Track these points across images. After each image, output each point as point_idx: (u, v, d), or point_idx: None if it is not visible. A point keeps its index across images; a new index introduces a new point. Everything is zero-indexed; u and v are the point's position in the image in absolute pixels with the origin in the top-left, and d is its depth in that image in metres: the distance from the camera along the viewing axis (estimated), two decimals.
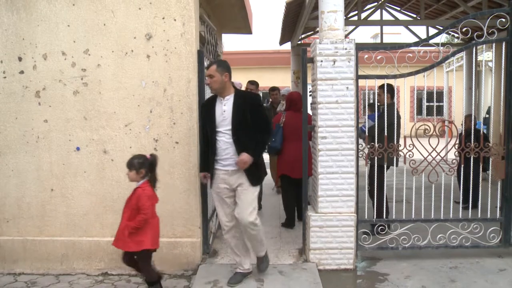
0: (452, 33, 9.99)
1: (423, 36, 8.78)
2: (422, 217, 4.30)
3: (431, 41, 4.25)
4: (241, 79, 7.30)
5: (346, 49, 3.99)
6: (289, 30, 9.86)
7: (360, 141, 4.51)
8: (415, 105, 5.57)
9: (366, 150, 4.30)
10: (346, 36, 4.65)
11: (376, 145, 4.21)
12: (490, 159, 4.33)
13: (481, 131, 4.74)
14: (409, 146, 4.12)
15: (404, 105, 5.88)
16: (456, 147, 4.32)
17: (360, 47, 4.11)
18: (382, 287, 3.74)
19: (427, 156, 4.18)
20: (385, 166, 4.65)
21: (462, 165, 4.26)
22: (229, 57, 6.22)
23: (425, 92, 5.56)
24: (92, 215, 4.17)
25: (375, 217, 4.61)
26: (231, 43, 27.59)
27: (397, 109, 4.97)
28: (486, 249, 4.30)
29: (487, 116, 8.83)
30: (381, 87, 4.91)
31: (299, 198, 5.14)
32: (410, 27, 9.19)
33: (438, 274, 3.95)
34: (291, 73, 10.63)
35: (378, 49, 4.19)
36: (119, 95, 4.06)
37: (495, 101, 4.85)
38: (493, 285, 3.71)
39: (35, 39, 4.04)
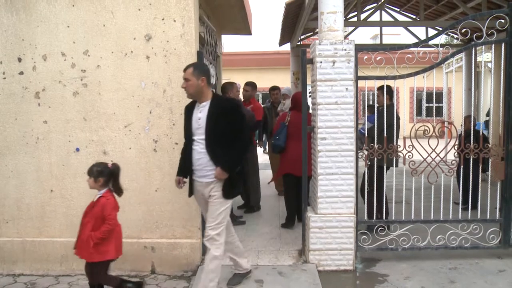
0: (452, 34, 10.01)
1: (423, 37, 8.79)
2: (422, 218, 4.31)
3: (430, 42, 4.26)
4: (240, 80, 7.32)
5: (345, 50, 4.00)
6: (288, 31, 9.87)
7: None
8: (415, 106, 5.57)
9: (365, 152, 4.30)
10: (346, 37, 4.65)
11: (376, 146, 4.21)
12: (490, 160, 4.33)
13: (481, 132, 4.74)
14: (409, 147, 4.12)
15: (404, 106, 5.87)
16: (456, 148, 4.32)
17: (360, 48, 4.11)
18: None
19: (427, 157, 4.18)
20: (385, 167, 4.66)
21: (462, 166, 4.27)
22: (228, 58, 6.23)
23: (424, 93, 5.56)
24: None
25: (366, 218, 4.62)
26: (230, 44, 27.60)
27: (396, 110, 4.97)
28: (486, 250, 4.30)
29: (487, 118, 8.83)
30: (380, 88, 4.92)
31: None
32: (409, 28, 9.21)
33: (438, 275, 3.95)
34: (291, 74, 10.64)
35: (377, 50, 4.20)
36: (118, 96, 4.06)
37: (494, 102, 4.86)
38: (493, 286, 3.71)
39: (34, 40, 4.04)
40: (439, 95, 14.13)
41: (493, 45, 4.40)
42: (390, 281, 3.86)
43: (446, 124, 4.49)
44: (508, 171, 4.20)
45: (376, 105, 4.73)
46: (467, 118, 5.65)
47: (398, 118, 4.77)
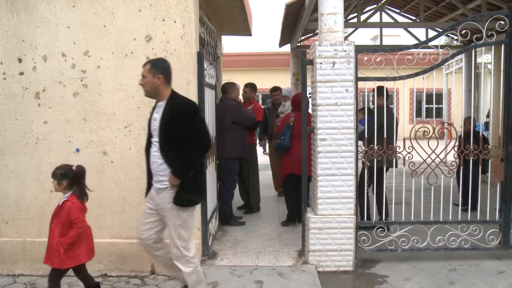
0: (452, 35, 10.02)
1: (423, 38, 8.82)
2: (421, 219, 4.31)
3: (430, 43, 4.27)
4: (240, 81, 7.31)
5: (345, 51, 4.00)
6: (288, 32, 9.88)
7: (360, 143, 4.51)
8: (415, 107, 5.58)
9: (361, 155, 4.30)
10: (346, 38, 4.66)
11: (367, 148, 4.21)
12: (490, 161, 4.33)
13: (480, 133, 4.74)
14: (409, 148, 4.12)
15: (404, 107, 5.88)
16: (456, 149, 4.33)
17: (360, 49, 4.12)
18: None
19: (427, 158, 4.19)
20: (384, 167, 4.65)
21: (462, 167, 4.27)
22: (228, 59, 6.24)
23: (424, 94, 5.56)
24: (91, 216, 4.12)
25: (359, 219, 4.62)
26: (230, 44, 27.59)
27: (392, 111, 4.94)
28: (485, 251, 4.30)
29: (488, 119, 8.84)
30: (374, 90, 4.90)
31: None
32: (409, 29, 9.22)
33: (437, 276, 3.95)
34: (291, 75, 10.65)
35: (377, 51, 4.19)
36: (118, 97, 4.06)
37: (494, 103, 4.86)
38: (492, 287, 3.71)
39: (35, 40, 4.05)
40: (439, 96, 14.13)
41: (493, 47, 4.42)
42: (390, 282, 3.86)
43: (446, 125, 4.49)
44: (508, 172, 4.20)
45: (368, 107, 4.73)
46: (467, 120, 5.66)
47: (393, 119, 4.74)
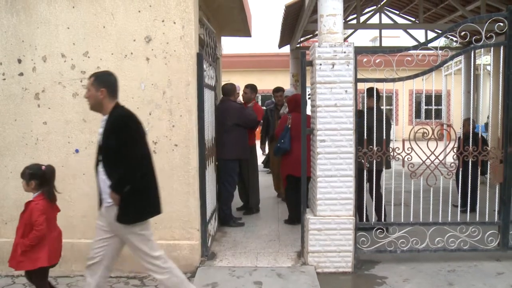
0: (451, 37, 10.03)
1: (422, 39, 8.82)
2: (421, 220, 4.31)
3: (429, 45, 4.27)
4: (240, 82, 7.31)
5: (345, 52, 4.01)
6: (288, 33, 9.89)
7: None
8: (414, 108, 5.58)
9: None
10: (345, 39, 4.67)
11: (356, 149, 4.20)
12: (489, 163, 4.34)
13: (480, 135, 4.75)
14: (408, 150, 4.13)
15: (403, 109, 5.89)
16: (455, 151, 4.33)
17: (359, 51, 4.12)
18: None
19: (426, 160, 4.19)
20: (373, 169, 4.61)
21: (461, 169, 4.28)
22: (228, 60, 6.25)
23: (423, 95, 5.55)
24: (91, 217, 4.15)
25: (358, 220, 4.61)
26: (230, 45, 27.59)
27: (382, 112, 4.87)
28: (484, 252, 4.30)
29: (488, 121, 8.85)
30: (366, 91, 4.87)
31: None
32: (409, 30, 9.23)
33: (436, 277, 3.95)
34: (290, 76, 10.66)
35: (377, 52, 4.20)
36: (118, 98, 4.05)
37: (493, 104, 4.87)
38: None
39: (34, 41, 4.05)
40: (438, 98, 14.15)
41: (492, 48, 4.43)
42: (389, 283, 3.86)
43: (445, 126, 4.49)
44: (507, 173, 4.21)
45: (360, 109, 4.70)
46: (466, 121, 5.66)
47: (383, 120, 4.59)
